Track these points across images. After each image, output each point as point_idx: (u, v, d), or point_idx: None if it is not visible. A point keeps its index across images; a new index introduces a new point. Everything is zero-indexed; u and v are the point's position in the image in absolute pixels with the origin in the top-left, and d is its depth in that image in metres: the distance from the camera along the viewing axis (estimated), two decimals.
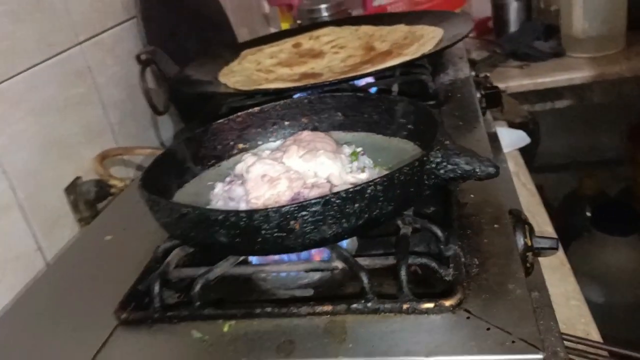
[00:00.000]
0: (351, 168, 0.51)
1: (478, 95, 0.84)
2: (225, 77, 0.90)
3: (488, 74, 0.93)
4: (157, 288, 0.45)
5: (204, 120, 0.90)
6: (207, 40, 1.20)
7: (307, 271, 0.46)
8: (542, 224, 0.81)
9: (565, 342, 0.59)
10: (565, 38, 1.46)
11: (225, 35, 1.31)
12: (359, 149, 0.56)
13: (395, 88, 0.80)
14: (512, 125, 1.09)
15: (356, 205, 0.41)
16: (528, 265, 0.51)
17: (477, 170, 0.45)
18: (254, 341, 0.40)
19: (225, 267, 0.45)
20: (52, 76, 0.77)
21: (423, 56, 0.78)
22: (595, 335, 0.62)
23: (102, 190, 0.79)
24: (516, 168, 0.97)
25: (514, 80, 1.38)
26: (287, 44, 1.04)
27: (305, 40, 1.04)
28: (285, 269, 0.46)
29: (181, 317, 0.44)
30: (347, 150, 0.55)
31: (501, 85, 1.36)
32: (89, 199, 0.78)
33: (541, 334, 0.43)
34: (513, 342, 0.37)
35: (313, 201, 0.40)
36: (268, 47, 1.04)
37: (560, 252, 0.74)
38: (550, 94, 1.42)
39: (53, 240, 0.72)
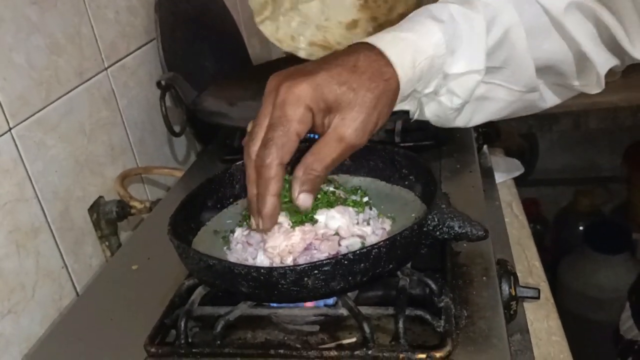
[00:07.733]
0: (357, 220, 0.57)
1: (475, 134, 0.90)
2: None
3: None
4: (183, 325, 0.51)
5: (219, 145, 0.96)
6: (223, 56, 1.25)
7: (315, 316, 0.52)
8: (531, 257, 0.87)
9: None
10: None
11: (238, 49, 1.36)
12: (365, 199, 0.62)
13: (399, 125, 0.86)
14: (508, 153, 1.14)
15: (362, 264, 0.47)
16: (512, 312, 0.57)
17: (469, 233, 0.51)
18: None
19: (243, 308, 0.51)
20: (82, 101, 0.83)
21: None
22: None
23: (123, 210, 0.84)
24: (509, 198, 1.03)
25: None
26: None
27: None
28: (297, 313, 0.52)
29: (204, 353, 0.50)
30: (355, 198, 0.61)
31: None
32: (110, 218, 0.84)
33: None
34: None
35: (325, 262, 0.46)
36: None
37: (546, 289, 0.80)
38: (548, 118, 1.47)
39: (76, 258, 0.79)
